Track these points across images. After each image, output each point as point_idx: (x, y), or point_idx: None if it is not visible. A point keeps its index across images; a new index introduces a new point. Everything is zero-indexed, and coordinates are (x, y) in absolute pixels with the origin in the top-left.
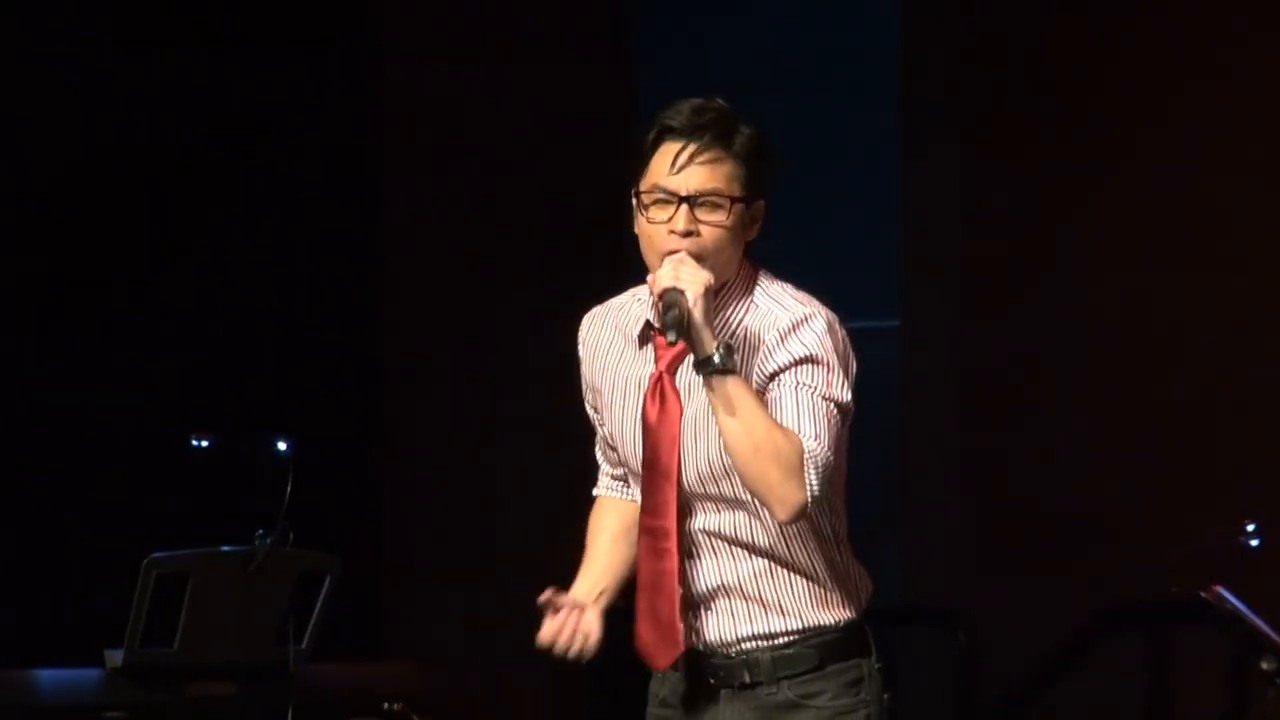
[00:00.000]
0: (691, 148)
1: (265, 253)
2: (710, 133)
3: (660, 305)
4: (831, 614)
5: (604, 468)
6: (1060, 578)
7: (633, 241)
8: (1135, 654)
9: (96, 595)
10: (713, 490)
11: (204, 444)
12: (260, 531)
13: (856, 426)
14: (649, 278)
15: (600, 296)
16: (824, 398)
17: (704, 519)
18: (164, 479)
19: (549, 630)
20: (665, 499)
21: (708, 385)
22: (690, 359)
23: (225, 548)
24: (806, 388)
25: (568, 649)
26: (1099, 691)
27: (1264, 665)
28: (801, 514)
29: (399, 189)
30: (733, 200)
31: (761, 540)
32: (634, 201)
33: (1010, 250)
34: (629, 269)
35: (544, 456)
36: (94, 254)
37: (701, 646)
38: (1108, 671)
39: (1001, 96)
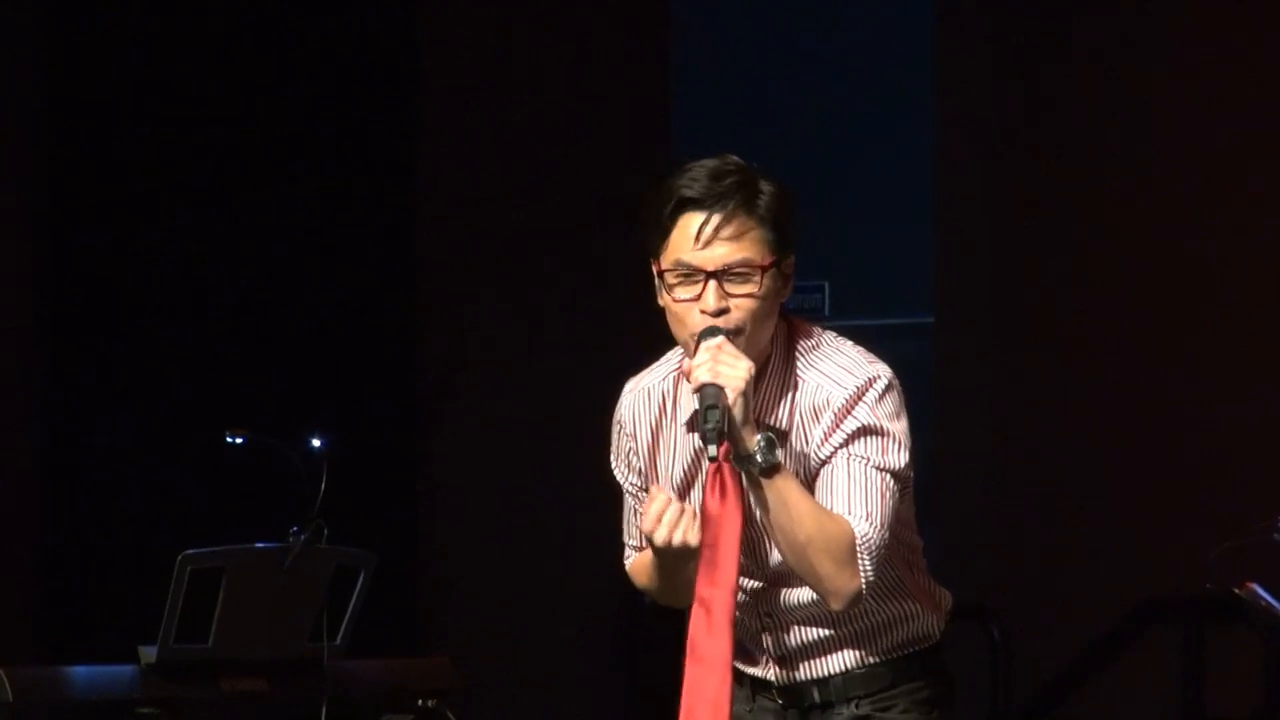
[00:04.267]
0: (715, 219)
1: (302, 249)
2: (733, 200)
3: (699, 402)
4: (911, 640)
5: (631, 544)
6: (1094, 573)
7: None
8: (1170, 650)
9: (131, 591)
10: (777, 576)
11: (238, 441)
12: (294, 528)
13: None
14: (682, 360)
15: (636, 294)
16: (878, 469)
17: (785, 594)
18: (199, 476)
19: (653, 517)
20: (725, 580)
21: (751, 481)
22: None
23: (260, 544)
24: (860, 459)
25: (669, 540)
26: (1133, 688)
27: None
28: (856, 601)
29: (436, 184)
30: (764, 269)
31: (823, 613)
32: (656, 276)
33: (1044, 248)
34: None
35: (580, 453)
36: (129, 250)
37: (771, 677)
38: (1142, 668)
39: (1036, 97)
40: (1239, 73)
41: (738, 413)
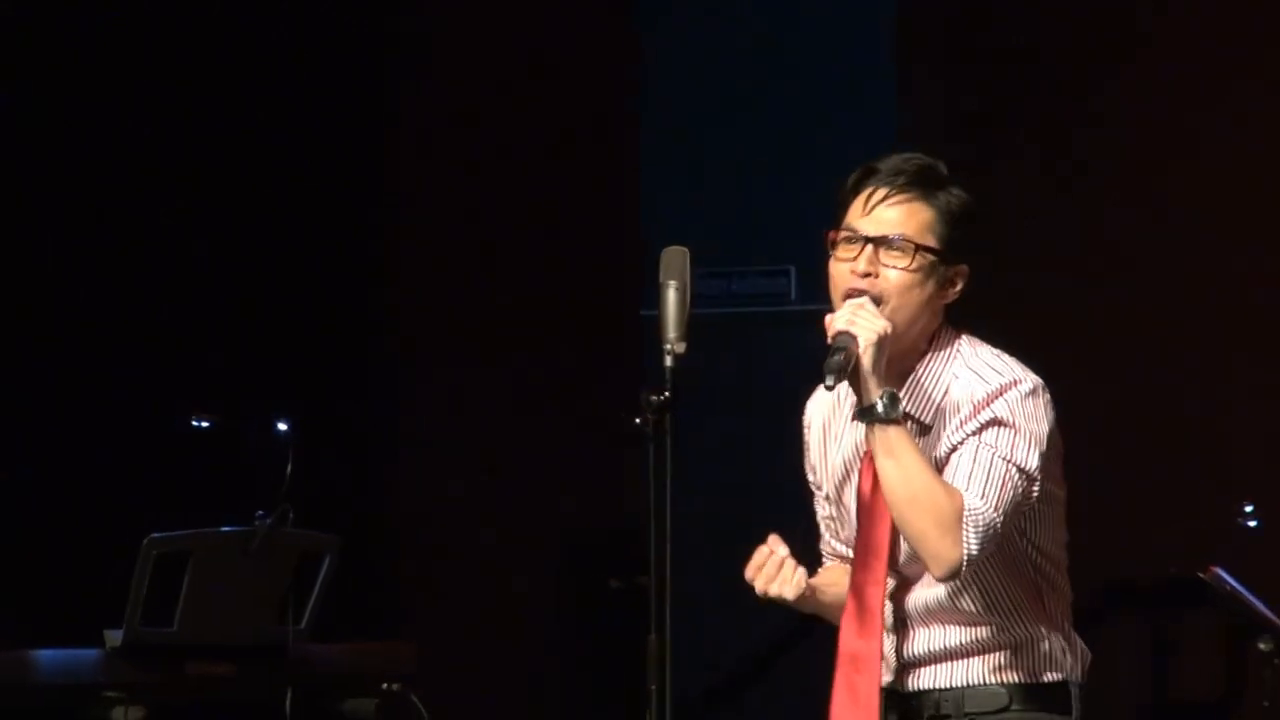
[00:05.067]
0: (884, 190)
1: (269, 231)
2: (908, 178)
3: (830, 347)
4: (1035, 676)
5: (828, 551)
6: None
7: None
8: (1133, 634)
9: (97, 575)
10: (919, 566)
11: (204, 424)
12: (260, 512)
13: None
14: (826, 318)
15: (605, 286)
16: (1003, 459)
17: (919, 592)
18: (164, 459)
19: (754, 566)
20: (876, 576)
21: (870, 434)
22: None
23: (225, 528)
24: (988, 448)
25: (765, 591)
26: (1096, 671)
27: (1261, 646)
28: (956, 572)
29: (402, 168)
30: (919, 247)
31: (972, 611)
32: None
33: (1004, 235)
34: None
35: (548, 437)
36: (93, 232)
37: (886, 683)
38: (1105, 651)
39: (996, 87)
40: (1192, 72)
41: (866, 363)
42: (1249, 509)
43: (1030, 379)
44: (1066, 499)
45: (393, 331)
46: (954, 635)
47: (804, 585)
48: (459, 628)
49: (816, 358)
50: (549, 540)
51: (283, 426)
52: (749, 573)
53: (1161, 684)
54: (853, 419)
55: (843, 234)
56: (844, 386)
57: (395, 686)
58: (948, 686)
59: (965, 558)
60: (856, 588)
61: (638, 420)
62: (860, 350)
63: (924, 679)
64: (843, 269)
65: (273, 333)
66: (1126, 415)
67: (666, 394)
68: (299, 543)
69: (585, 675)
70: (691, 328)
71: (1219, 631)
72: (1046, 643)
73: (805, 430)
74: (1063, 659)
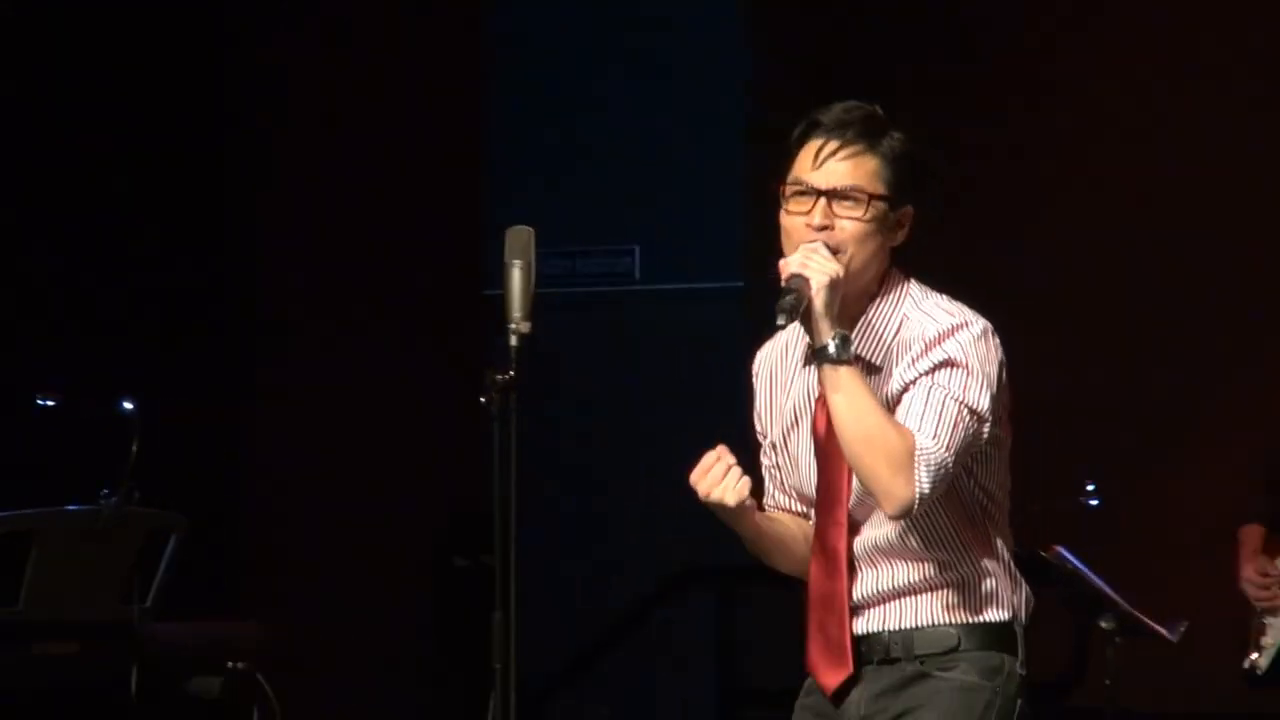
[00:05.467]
0: (834, 144)
1: (117, 210)
2: (855, 129)
3: (782, 289)
4: (982, 614)
5: (768, 504)
6: None
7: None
8: None
9: None
10: (869, 506)
11: (49, 403)
12: (104, 490)
13: (705, 386)
14: (780, 263)
15: (454, 267)
16: (955, 399)
17: (864, 534)
18: (8, 438)
19: (700, 470)
20: (837, 518)
21: (822, 376)
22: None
23: (70, 507)
24: (940, 389)
25: (707, 495)
26: None
27: (1103, 624)
28: (908, 510)
29: (255, 150)
30: (871, 197)
31: (919, 549)
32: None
33: None
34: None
35: (400, 416)
36: None
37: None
38: None
39: (847, 66)
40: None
41: (819, 305)
42: (1091, 488)
43: (980, 321)
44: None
45: (245, 313)
46: (902, 573)
47: (745, 495)
48: (307, 607)
49: (661, 335)
50: (398, 520)
51: (128, 405)
52: (694, 476)
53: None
54: (804, 363)
55: (793, 188)
56: (792, 335)
57: (241, 665)
58: (897, 628)
59: (918, 496)
60: (820, 531)
61: (483, 399)
62: (813, 292)
63: (874, 620)
64: (797, 222)
65: (119, 311)
66: None
67: (511, 373)
68: (145, 521)
69: (433, 654)
70: (537, 307)
71: (1062, 610)
72: (993, 579)
73: (753, 378)
74: (1009, 597)
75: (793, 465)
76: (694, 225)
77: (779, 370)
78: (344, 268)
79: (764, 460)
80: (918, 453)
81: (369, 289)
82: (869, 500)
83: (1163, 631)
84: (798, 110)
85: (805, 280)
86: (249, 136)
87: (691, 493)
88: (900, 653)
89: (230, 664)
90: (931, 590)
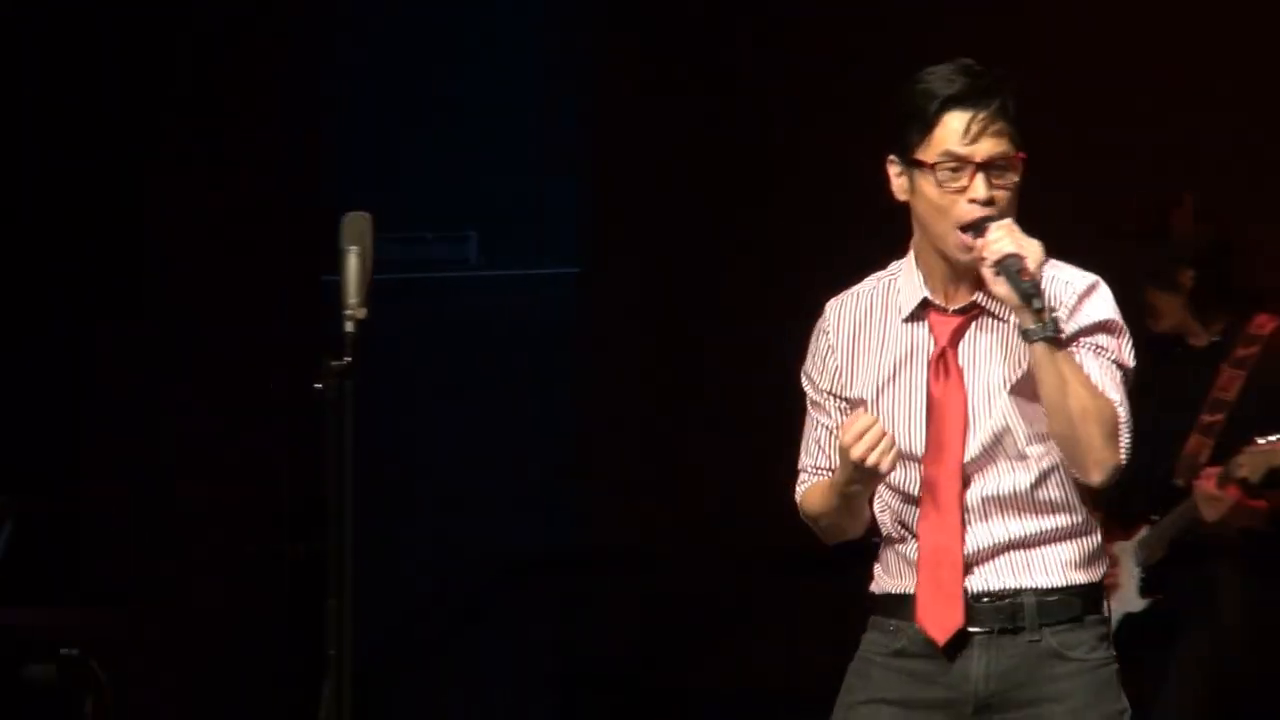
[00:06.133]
0: (982, 116)
1: None
2: (993, 98)
3: (1003, 272)
4: (1086, 573)
5: (811, 466)
6: (732, 529)
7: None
8: (820, 600)
9: None
10: (991, 459)
11: None
12: None
13: (544, 373)
14: (980, 244)
15: (292, 244)
16: (1117, 364)
17: (980, 486)
18: None
19: (855, 433)
20: (949, 470)
21: (1037, 352)
22: (972, 332)
23: None
24: (1106, 352)
25: (863, 459)
26: (773, 637)
27: None
28: (1115, 476)
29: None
30: (1017, 161)
31: (1051, 502)
32: (906, 169)
33: (692, 202)
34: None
35: (239, 401)
36: None
37: (965, 595)
38: (780, 617)
39: (687, 57)
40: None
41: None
42: None
43: (1099, 278)
44: None
45: (77, 296)
46: (1019, 526)
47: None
48: (144, 594)
49: (499, 320)
50: (237, 507)
51: None
52: (848, 439)
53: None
54: (1023, 339)
55: (948, 164)
56: (868, 290)
57: (75, 652)
58: (1017, 585)
59: (1122, 461)
60: (928, 483)
61: (318, 385)
62: (1033, 270)
63: (990, 576)
64: (955, 199)
65: None
66: (768, 382)
67: (347, 359)
68: None
69: (270, 642)
70: (373, 293)
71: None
72: (1098, 535)
73: (823, 335)
74: (1102, 561)
75: (886, 421)
76: (532, 210)
77: (864, 328)
78: (180, 252)
79: (822, 420)
80: (1121, 420)
81: (206, 273)
82: (994, 454)
83: None
84: (638, 96)
85: (1021, 258)
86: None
87: (532, 478)
88: (1025, 621)
89: (64, 651)
90: (1051, 544)
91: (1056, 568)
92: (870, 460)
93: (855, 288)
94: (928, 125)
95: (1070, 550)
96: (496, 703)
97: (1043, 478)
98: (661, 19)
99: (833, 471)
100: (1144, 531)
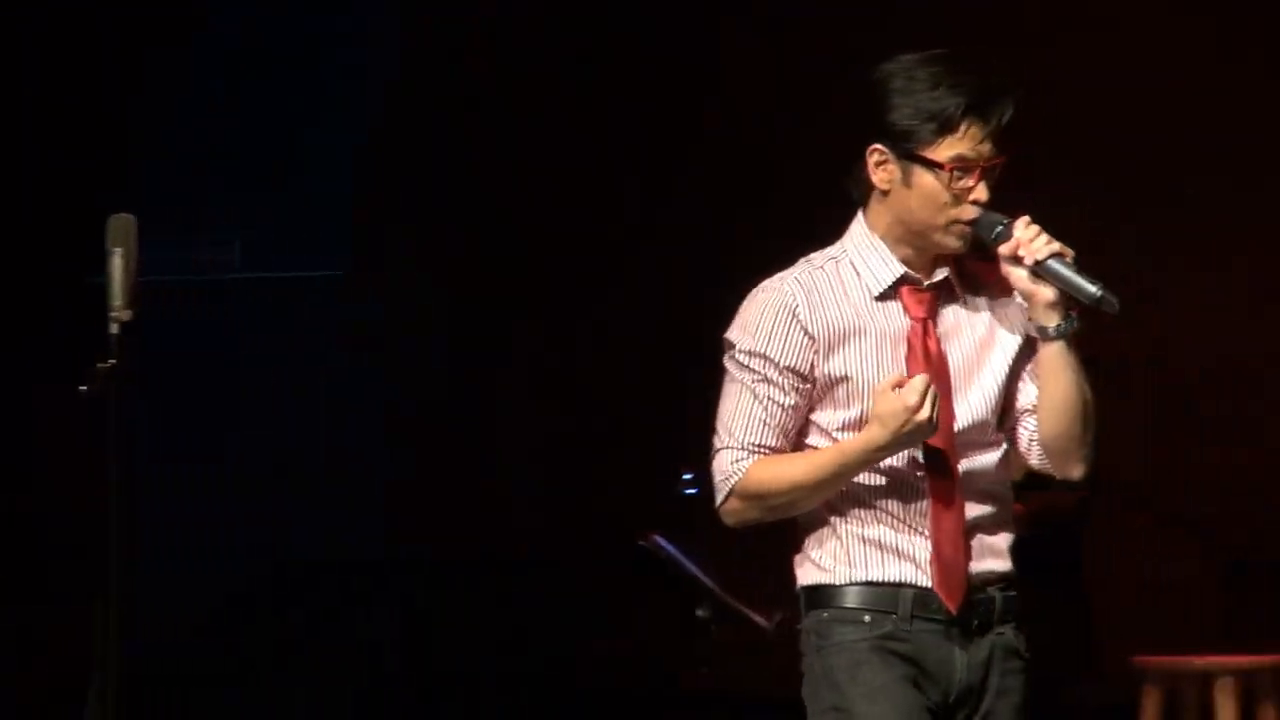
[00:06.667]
0: (993, 125)
1: None
2: (1008, 110)
3: (1056, 270)
4: (1013, 561)
5: (754, 445)
6: (539, 531)
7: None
8: (597, 606)
9: None
10: (966, 438)
11: None
12: None
13: (312, 381)
14: (1023, 250)
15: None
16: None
17: (965, 464)
18: None
19: (919, 392)
20: (947, 445)
21: (1054, 349)
22: (943, 308)
23: None
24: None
25: (931, 415)
26: (536, 636)
27: (700, 613)
28: (1089, 467)
29: None
30: (1001, 163)
31: (992, 486)
32: (901, 161)
33: (466, 206)
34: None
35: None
36: None
37: (928, 582)
38: (555, 617)
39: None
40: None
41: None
42: (688, 477)
43: None
44: None
45: None
46: (978, 509)
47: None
48: None
49: (264, 323)
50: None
51: None
52: (914, 400)
53: (613, 649)
54: (1044, 339)
55: (960, 165)
56: (821, 274)
57: None
58: (984, 569)
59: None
60: (928, 459)
61: (83, 387)
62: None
63: (972, 564)
64: (959, 199)
65: None
66: (580, 396)
67: (113, 361)
68: None
69: (38, 644)
70: (139, 295)
71: (664, 599)
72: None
73: (788, 312)
74: None
75: (859, 396)
76: (299, 214)
77: (836, 309)
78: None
79: (775, 397)
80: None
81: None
82: (970, 434)
83: (758, 619)
84: (410, 103)
85: (1066, 255)
86: None
87: (297, 483)
88: (994, 617)
89: None
90: (997, 531)
91: (1002, 554)
92: (935, 418)
93: (798, 270)
94: (947, 129)
95: (1006, 540)
96: (281, 706)
97: (1003, 459)
98: (437, 19)
99: (775, 450)
100: None
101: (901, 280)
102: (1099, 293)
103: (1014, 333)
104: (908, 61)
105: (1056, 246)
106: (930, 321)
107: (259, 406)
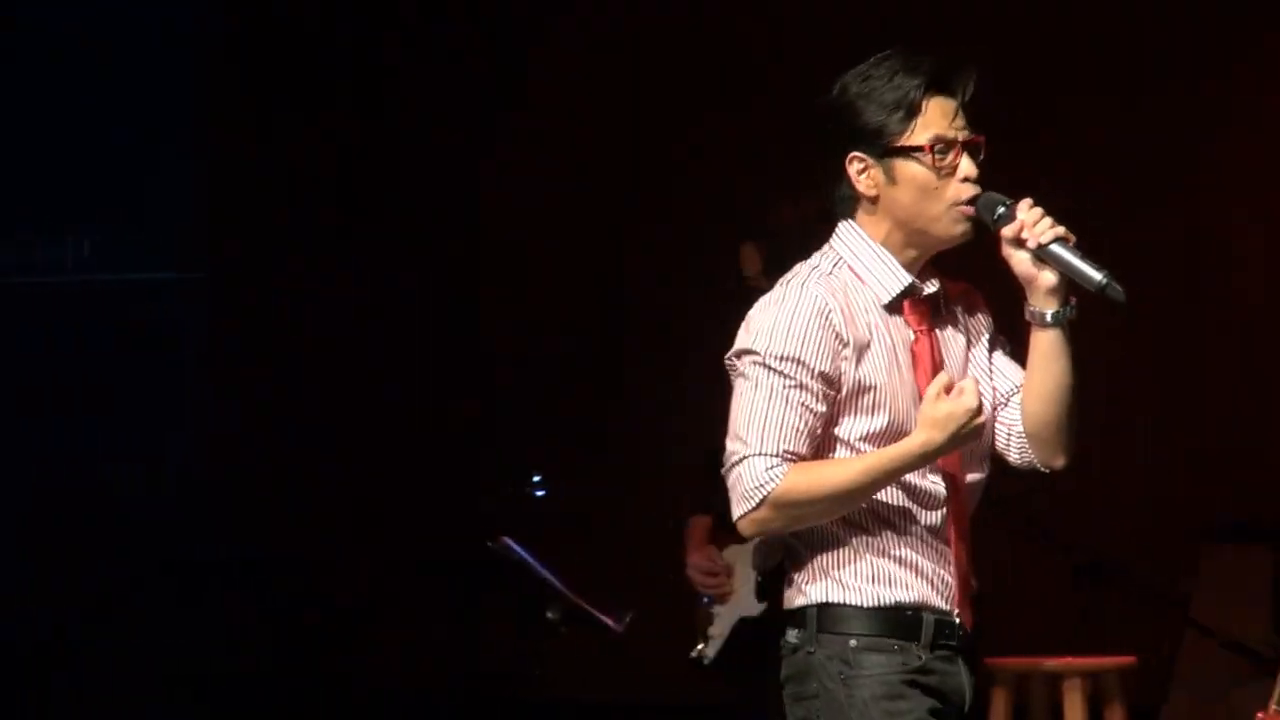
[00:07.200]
0: (960, 97)
1: None
2: (970, 81)
3: (1057, 256)
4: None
5: (788, 453)
6: (379, 533)
7: None
8: (439, 606)
9: None
10: (970, 453)
11: None
12: None
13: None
14: (1026, 234)
15: None
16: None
17: (967, 479)
18: None
19: (976, 392)
20: (961, 459)
21: (1050, 336)
22: (940, 319)
23: None
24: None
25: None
26: (408, 643)
27: (549, 615)
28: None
29: None
30: (980, 141)
31: (977, 501)
32: (881, 161)
33: (307, 211)
34: None
35: None
36: None
37: (945, 604)
38: (409, 624)
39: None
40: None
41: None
42: (537, 479)
43: None
44: None
45: None
46: (969, 521)
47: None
48: None
49: (112, 325)
50: None
51: None
52: (973, 400)
53: (461, 653)
54: (1040, 326)
55: (940, 145)
56: (840, 275)
57: None
58: (977, 586)
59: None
60: (948, 471)
61: None
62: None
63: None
64: (948, 180)
65: None
66: (428, 398)
67: None
68: None
69: None
70: None
71: (514, 602)
72: None
73: (823, 318)
74: None
75: (893, 407)
76: (148, 216)
77: (859, 313)
78: None
79: (809, 404)
80: None
81: None
82: (970, 451)
83: (608, 621)
84: (258, 104)
85: (1070, 238)
86: None
87: (145, 483)
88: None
89: None
90: (974, 545)
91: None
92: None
93: (812, 276)
94: (914, 112)
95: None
96: (104, 704)
97: (991, 473)
98: (275, 25)
99: (802, 458)
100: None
101: (907, 291)
102: (1104, 280)
103: (982, 346)
104: (861, 67)
105: (1061, 230)
106: (932, 333)
107: (107, 408)
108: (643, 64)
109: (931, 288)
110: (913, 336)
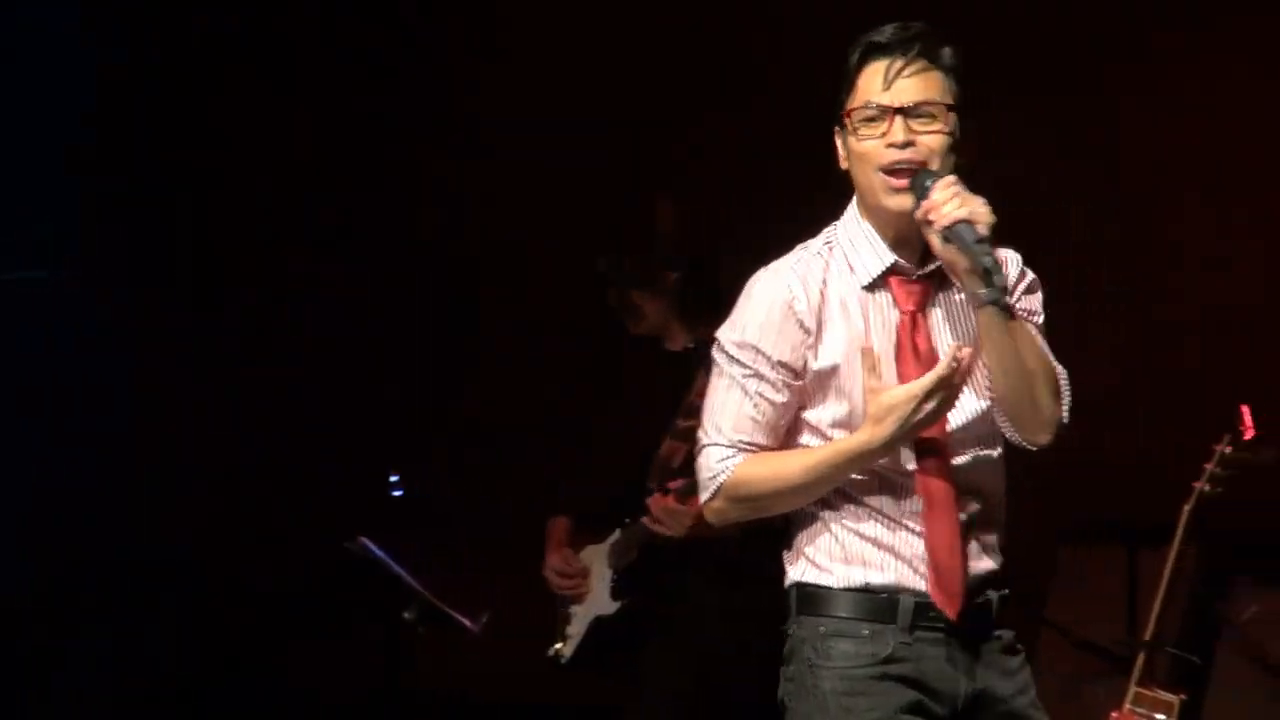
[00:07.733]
0: (900, 61)
1: None
2: (918, 45)
3: (958, 239)
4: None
5: (743, 443)
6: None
7: None
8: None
9: None
10: (961, 435)
11: None
12: None
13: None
14: (925, 210)
15: None
16: (1042, 325)
17: (958, 461)
18: None
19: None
20: (940, 445)
21: (987, 316)
22: (936, 299)
23: None
24: (1035, 315)
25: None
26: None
27: (406, 615)
28: (1058, 431)
29: None
30: (949, 108)
31: (986, 482)
32: (842, 127)
33: (172, 209)
34: None
35: None
36: None
37: (924, 586)
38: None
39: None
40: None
41: (991, 248)
42: (395, 479)
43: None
44: None
45: None
46: (973, 509)
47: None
48: None
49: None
50: None
51: None
52: (919, 389)
53: (395, 669)
54: (975, 306)
55: (864, 112)
56: (805, 263)
57: None
58: (978, 570)
59: (1066, 418)
60: (920, 454)
61: None
62: (985, 233)
63: (967, 566)
64: (875, 145)
65: None
66: (284, 398)
67: None
68: None
69: None
70: None
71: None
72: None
73: (785, 306)
74: None
75: (845, 393)
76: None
77: (824, 301)
78: None
79: (765, 393)
80: (1062, 377)
81: None
82: (964, 430)
83: (465, 621)
84: (123, 101)
85: (974, 224)
86: None
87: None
88: (994, 618)
89: None
90: (991, 530)
91: (997, 550)
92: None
93: (794, 259)
94: (851, 79)
95: (996, 537)
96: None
97: (1002, 456)
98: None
99: (763, 448)
100: (616, 535)
101: (891, 270)
102: (990, 269)
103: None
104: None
105: (966, 211)
106: (920, 314)
107: None
108: (643, 64)
109: (928, 267)
110: (898, 318)
